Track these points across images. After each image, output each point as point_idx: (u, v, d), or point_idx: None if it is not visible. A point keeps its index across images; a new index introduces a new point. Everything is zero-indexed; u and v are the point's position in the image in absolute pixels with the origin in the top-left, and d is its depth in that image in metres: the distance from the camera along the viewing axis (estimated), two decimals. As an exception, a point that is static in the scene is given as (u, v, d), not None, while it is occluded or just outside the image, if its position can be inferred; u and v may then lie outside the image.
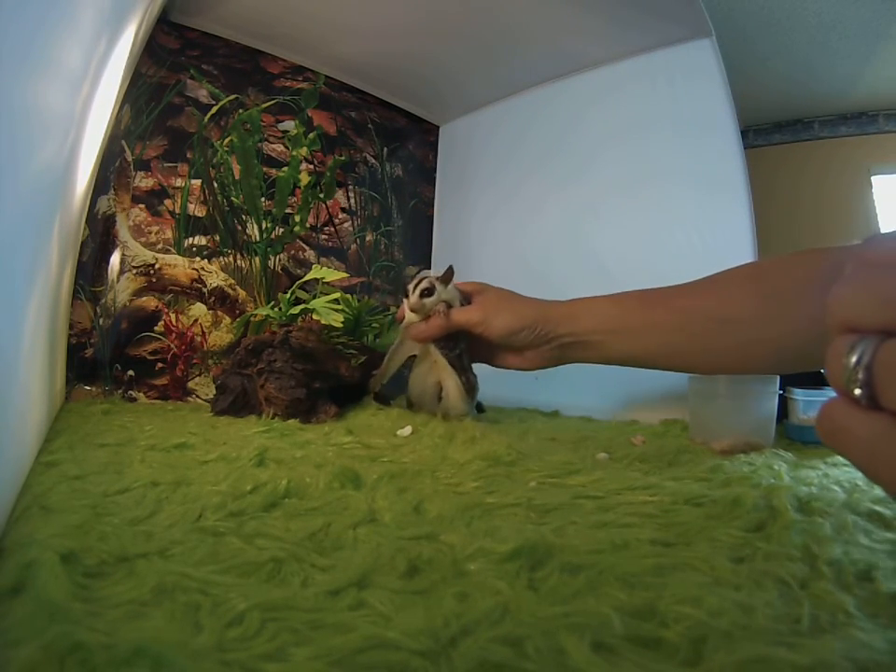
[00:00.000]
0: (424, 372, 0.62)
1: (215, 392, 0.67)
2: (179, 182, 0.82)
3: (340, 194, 1.00)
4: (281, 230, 0.91)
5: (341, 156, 0.99)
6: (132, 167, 0.79)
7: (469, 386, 0.60)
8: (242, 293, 0.86)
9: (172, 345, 0.78)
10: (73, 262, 0.67)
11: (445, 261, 1.09)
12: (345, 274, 0.79)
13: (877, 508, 0.29)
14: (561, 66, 0.91)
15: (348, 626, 0.17)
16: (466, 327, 0.58)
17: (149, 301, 0.78)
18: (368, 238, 1.03)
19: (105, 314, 0.75)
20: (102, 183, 0.75)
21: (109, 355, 0.75)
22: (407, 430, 0.51)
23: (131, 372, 0.76)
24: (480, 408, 0.69)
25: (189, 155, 0.83)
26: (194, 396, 0.80)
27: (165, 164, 0.81)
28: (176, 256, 0.81)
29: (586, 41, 0.84)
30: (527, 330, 0.57)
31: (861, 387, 0.16)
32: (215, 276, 0.84)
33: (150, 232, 0.79)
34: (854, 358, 0.16)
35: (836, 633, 0.17)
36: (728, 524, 0.27)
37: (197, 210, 0.83)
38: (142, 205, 0.79)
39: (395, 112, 1.09)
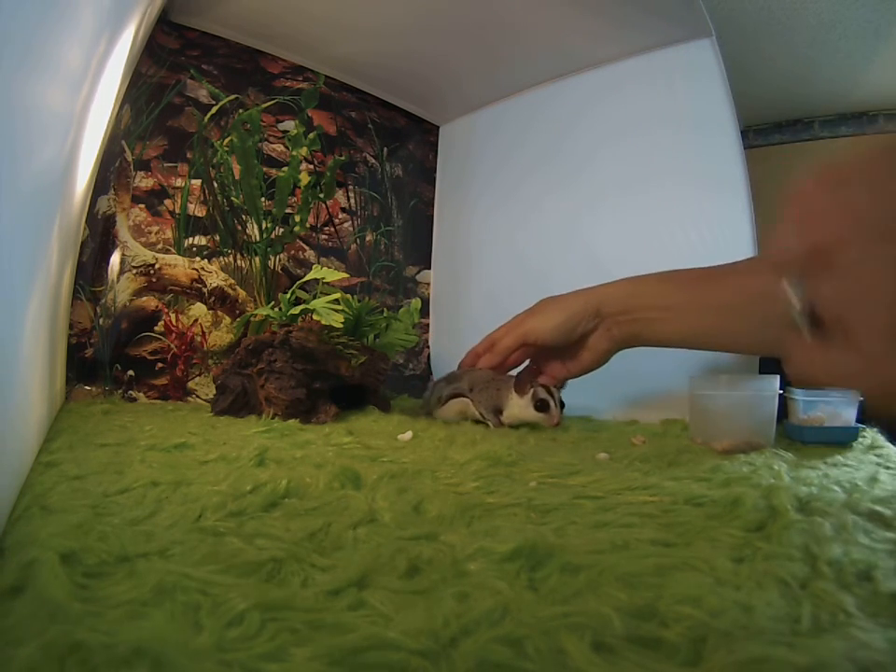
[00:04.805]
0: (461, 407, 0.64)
1: (215, 392, 0.67)
2: (179, 182, 0.82)
3: (340, 194, 1.00)
4: (281, 230, 0.91)
5: (341, 156, 0.99)
6: (132, 167, 0.79)
7: None
8: (242, 293, 0.86)
9: (172, 345, 0.78)
10: (73, 262, 0.67)
11: (445, 261, 1.10)
12: (345, 275, 0.79)
13: (877, 508, 0.29)
14: (561, 66, 0.91)
15: (348, 626, 0.17)
16: (518, 342, 0.57)
17: (149, 301, 0.78)
18: (368, 238, 1.03)
19: (105, 314, 0.75)
20: (102, 183, 0.75)
21: (109, 355, 0.75)
22: (408, 435, 0.51)
23: (131, 372, 0.76)
24: None
25: (189, 155, 0.83)
26: (194, 396, 0.80)
27: (165, 164, 0.81)
28: (176, 256, 0.81)
29: (586, 41, 0.84)
30: (576, 319, 0.54)
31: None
32: (215, 276, 0.84)
33: (150, 232, 0.79)
34: None
35: (836, 633, 0.17)
36: (728, 524, 0.27)
37: (197, 210, 0.83)
38: (142, 205, 0.79)
39: (395, 112, 1.09)
